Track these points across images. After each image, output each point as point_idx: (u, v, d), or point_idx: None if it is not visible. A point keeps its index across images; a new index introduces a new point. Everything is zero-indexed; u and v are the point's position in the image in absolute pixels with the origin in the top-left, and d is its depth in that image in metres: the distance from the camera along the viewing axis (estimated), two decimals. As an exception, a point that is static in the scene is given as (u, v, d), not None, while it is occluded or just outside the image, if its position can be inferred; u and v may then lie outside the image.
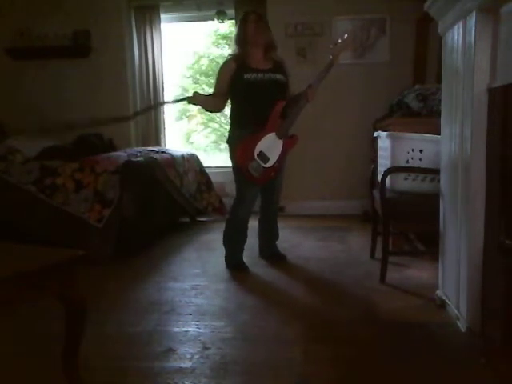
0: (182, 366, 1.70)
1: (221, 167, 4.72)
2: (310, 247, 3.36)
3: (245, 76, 2.68)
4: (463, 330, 1.88)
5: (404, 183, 2.60)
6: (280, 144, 2.71)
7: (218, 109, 2.95)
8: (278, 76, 2.75)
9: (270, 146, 2.69)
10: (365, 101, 4.41)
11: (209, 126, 6.94)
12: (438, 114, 2.28)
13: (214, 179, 4.49)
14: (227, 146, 2.88)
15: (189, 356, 1.77)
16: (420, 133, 2.66)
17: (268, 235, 3.06)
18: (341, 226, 4.02)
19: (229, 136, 2.86)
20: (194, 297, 2.40)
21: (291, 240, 3.51)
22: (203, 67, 6.73)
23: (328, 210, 4.52)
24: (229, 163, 2.85)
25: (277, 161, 2.72)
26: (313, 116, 4.09)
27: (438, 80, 2.68)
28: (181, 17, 4.91)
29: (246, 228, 2.90)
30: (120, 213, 3.06)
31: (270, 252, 3.05)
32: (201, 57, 6.69)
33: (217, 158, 6.15)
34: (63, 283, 1.34)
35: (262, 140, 2.68)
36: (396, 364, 1.68)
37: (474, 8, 1.73)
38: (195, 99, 2.75)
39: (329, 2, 4.45)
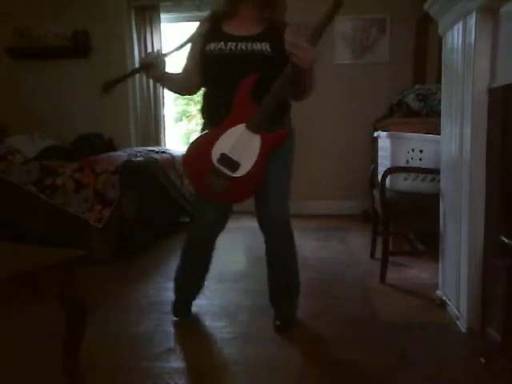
0: (182, 366, 1.70)
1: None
2: (310, 247, 3.35)
3: (207, 47, 1.86)
4: (463, 330, 1.88)
5: (404, 183, 2.60)
6: (256, 141, 1.79)
7: (185, 89, 2.03)
8: (260, 45, 1.84)
9: (238, 144, 1.79)
10: (365, 101, 4.41)
11: (209, 126, 6.92)
12: (438, 114, 2.28)
13: (213, 179, 4.48)
14: None
15: (189, 356, 1.77)
16: (420, 133, 2.66)
17: None
18: (341, 226, 4.02)
19: None
20: (194, 297, 2.40)
21: (291, 240, 3.50)
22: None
23: (328, 210, 4.52)
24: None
25: (253, 166, 1.80)
26: (312, 116, 4.10)
27: (438, 80, 2.68)
28: (181, 17, 4.89)
29: (203, 262, 2.09)
30: (120, 213, 3.06)
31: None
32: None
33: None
34: (63, 283, 1.34)
35: (224, 137, 1.80)
36: (396, 364, 1.68)
37: (473, 8, 1.73)
38: (153, 70, 1.82)
39: (329, 2, 4.44)
